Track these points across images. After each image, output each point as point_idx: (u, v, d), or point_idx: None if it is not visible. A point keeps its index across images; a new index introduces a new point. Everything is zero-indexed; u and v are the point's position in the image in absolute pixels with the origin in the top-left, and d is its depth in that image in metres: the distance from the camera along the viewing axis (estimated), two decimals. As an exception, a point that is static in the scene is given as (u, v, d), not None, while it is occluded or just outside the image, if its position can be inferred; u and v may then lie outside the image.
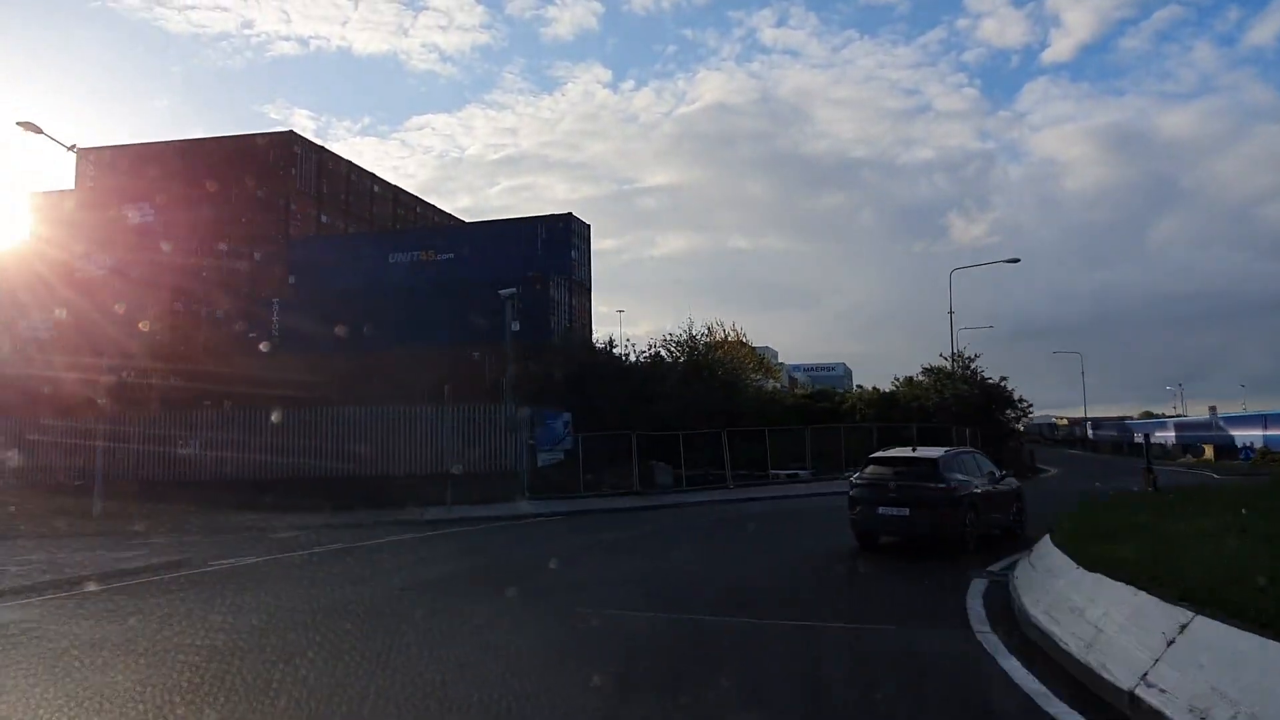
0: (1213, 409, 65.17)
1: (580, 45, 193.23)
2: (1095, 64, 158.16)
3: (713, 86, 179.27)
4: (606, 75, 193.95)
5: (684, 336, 41.09)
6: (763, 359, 54.19)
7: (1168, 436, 78.84)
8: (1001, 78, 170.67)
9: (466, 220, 49.55)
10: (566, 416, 28.64)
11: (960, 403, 36.77)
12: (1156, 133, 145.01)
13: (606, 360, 30.59)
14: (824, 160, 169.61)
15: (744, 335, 53.03)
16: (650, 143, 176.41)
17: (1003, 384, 38.93)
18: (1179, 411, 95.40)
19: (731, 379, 39.17)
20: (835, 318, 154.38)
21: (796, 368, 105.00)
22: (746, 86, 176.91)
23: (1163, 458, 65.10)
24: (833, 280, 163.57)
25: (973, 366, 40.37)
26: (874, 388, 41.49)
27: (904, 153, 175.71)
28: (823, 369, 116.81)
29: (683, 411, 30.65)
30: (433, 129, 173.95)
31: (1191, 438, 67.61)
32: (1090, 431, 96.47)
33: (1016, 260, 42.96)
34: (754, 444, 33.12)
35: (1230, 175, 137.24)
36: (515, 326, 35.27)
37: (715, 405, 33.45)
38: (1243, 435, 61.68)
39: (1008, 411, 39.81)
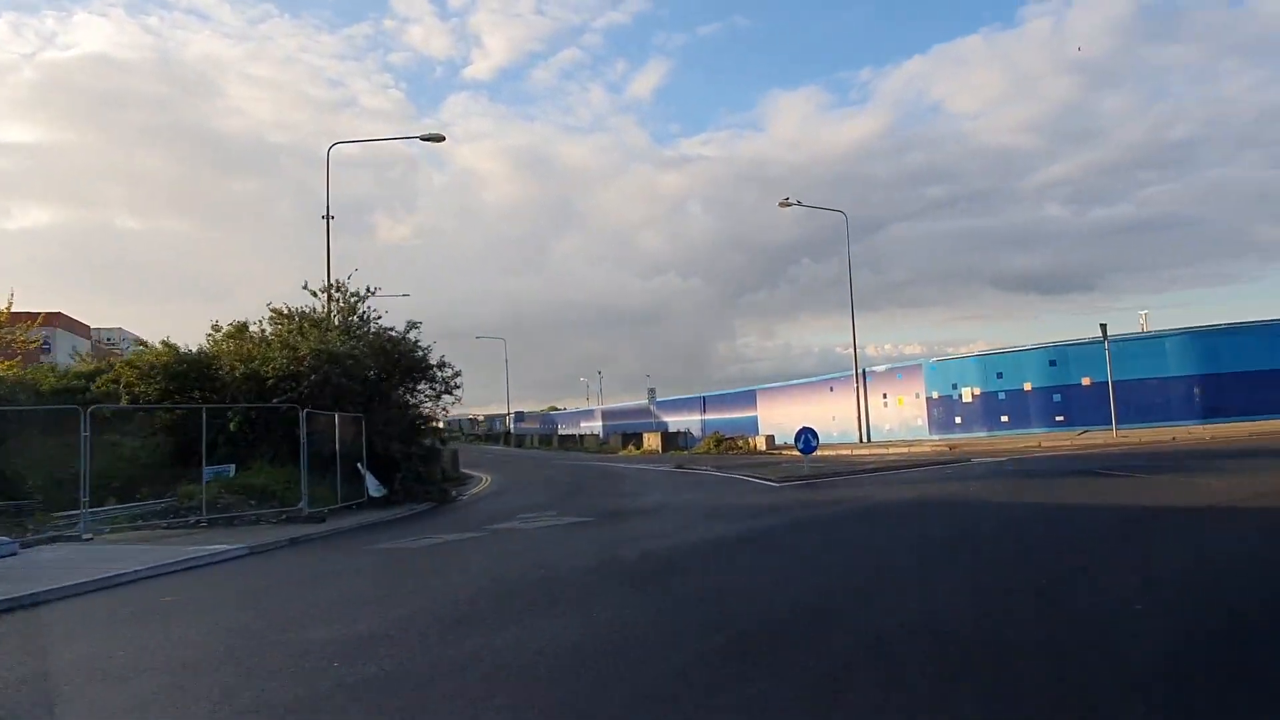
0: (651, 391, 60.61)
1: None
2: (511, 88, 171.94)
3: (94, 34, 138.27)
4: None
5: None
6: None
7: (595, 426, 75.22)
8: (427, 86, 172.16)
9: None
10: None
11: (337, 367, 20.07)
12: (559, 159, 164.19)
13: None
14: (238, 140, 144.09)
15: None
16: (5, 88, 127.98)
17: (416, 340, 23.52)
18: (590, 405, 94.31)
19: None
20: (246, 313, 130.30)
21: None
22: (141, 42, 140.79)
23: (600, 450, 58.28)
24: (246, 272, 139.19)
25: (363, 310, 24.24)
26: (164, 342, 21.95)
27: (328, 144, 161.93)
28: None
29: None
30: None
31: (624, 426, 62.77)
32: (513, 425, 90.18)
33: (440, 138, 27.96)
34: None
35: (614, 204, 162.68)
36: None
37: None
38: (678, 421, 58.10)
39: (422, 387, 24.61)
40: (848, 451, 32.72)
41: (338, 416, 18.78)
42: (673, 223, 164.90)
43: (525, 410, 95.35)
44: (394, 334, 23.73)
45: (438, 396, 24.25)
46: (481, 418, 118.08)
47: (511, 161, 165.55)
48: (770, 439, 40.03)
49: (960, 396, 34.63)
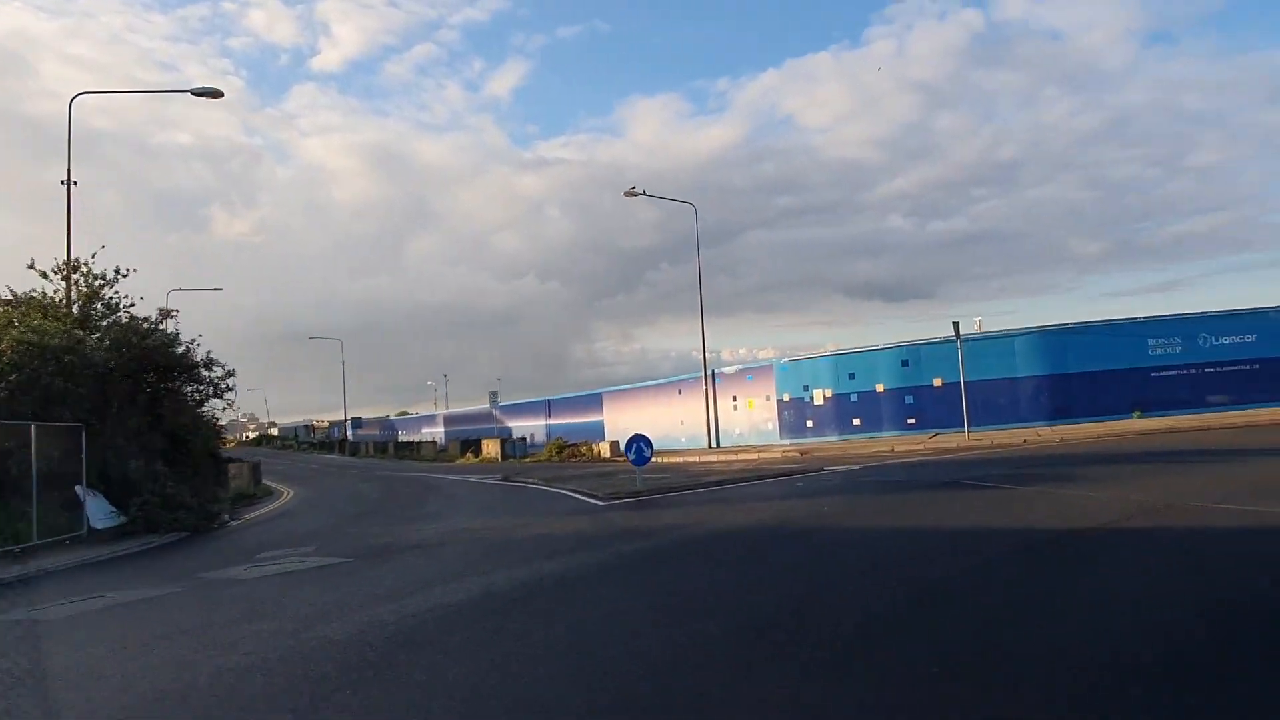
0: (494, 394, 56.93)
1: None
2: (362, 82, 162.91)
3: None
4: None
5: None
6: None
7: (437, 432, 70.70)
8: (270, 74, 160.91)
9: None
10: None
11: (50, 363, 15.71)
12: (415, 157, 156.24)
13: None
14: (56, 124, 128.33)
15: None
16: None
17: (175, 333, 19.09)
18: (440, 409, 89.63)
19: None
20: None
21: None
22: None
23: (436, 458, 54.20)
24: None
25: (109, 295, 19.69)
26: None
27: (159, 133, 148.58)
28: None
29: None
30: None
31: (467, 432, 58.88)
32: (351, 432, 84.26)
33: (216, 93, 23.70)
34: None
35: (472, 205, 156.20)
36: None
37: None
38: (523, 425, 54.76)
39: (189, 390, 20.15)
40: (695, 458, 30.56)
41: (35, 428, 14.53)
42: (531, 225, 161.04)
43: (364, 416, 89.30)
44: (146, 324, 19.51)
45: (202, 401, 20.20)
46: (326, 424, 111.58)
47: (363, 158, 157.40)
48: (615, 445, 37.48)
49: (812, 399, 33.21)
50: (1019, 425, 28.25)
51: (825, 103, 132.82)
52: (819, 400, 32.90)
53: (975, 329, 31.70)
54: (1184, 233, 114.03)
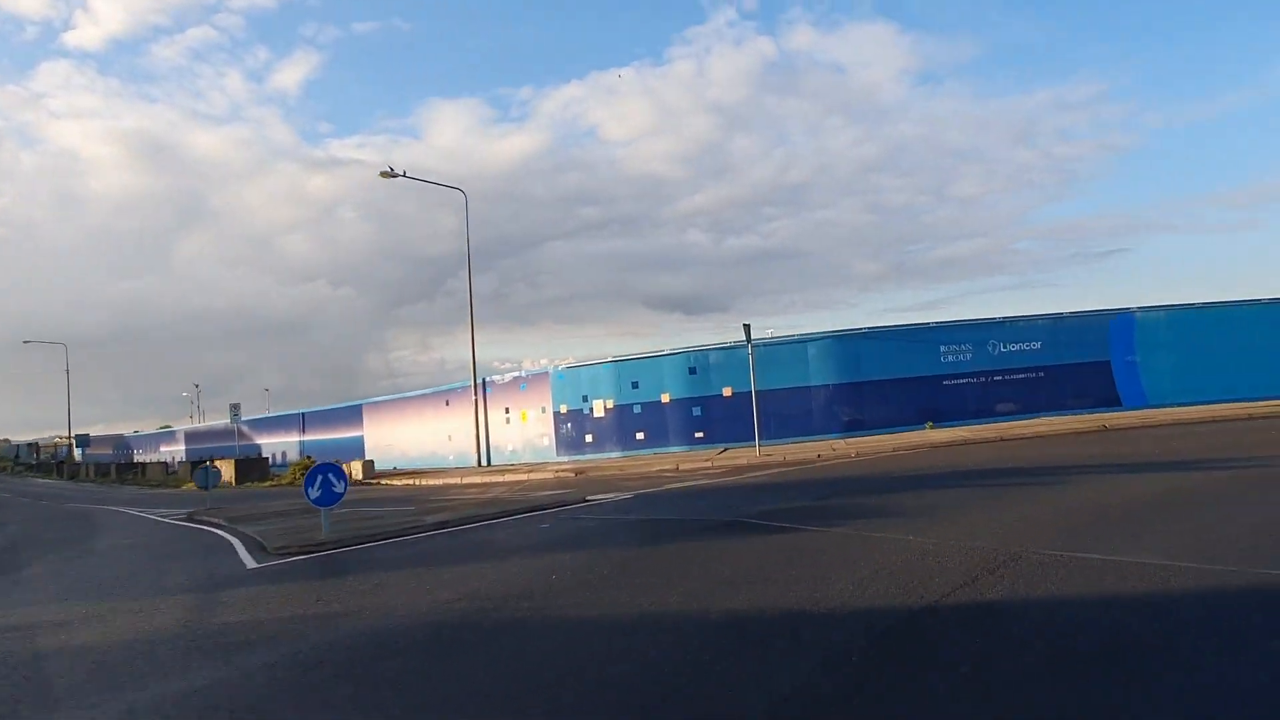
0: (235, 407, 49.26)
1: None
2: (127, 64, 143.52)
3: None
4: None
5: None
6: None
7: (177, 451, 61.48)
8: (14, 47, 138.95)
9: None
10: None
11: None
12: (188, 149, 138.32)
13: None
14: None
15: None
16: None
17: None
18: (198, 423, 79.39)
19: None
20: None
21: None
22: None
23: (162, 483, 46.15)
24: None
25: None
26: None
27: None
28: None
29: None
30: None
31: (209, 450, 51.00)
32: (79, 451, 72.43)
33: None
34: None
35: (256, 203, 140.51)
36: None
37: None
38: (274, 442, 47.78)
39: None
40: (458, 480, 26.25)
41: None
42: (323, 228, 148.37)
43: (92, 433, 77.24)
44: None
45: None
46: (66, 440, 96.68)
47: (126, 146, 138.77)
48: (370, 465, 32.36)
49: (592, 410, 29.72)
50: (812, 438, 26.15)
51: (628, 117, 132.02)
52: (599, 412, 29.47)
53: (768, 335, 29.59)
54: (948, 256, 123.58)
